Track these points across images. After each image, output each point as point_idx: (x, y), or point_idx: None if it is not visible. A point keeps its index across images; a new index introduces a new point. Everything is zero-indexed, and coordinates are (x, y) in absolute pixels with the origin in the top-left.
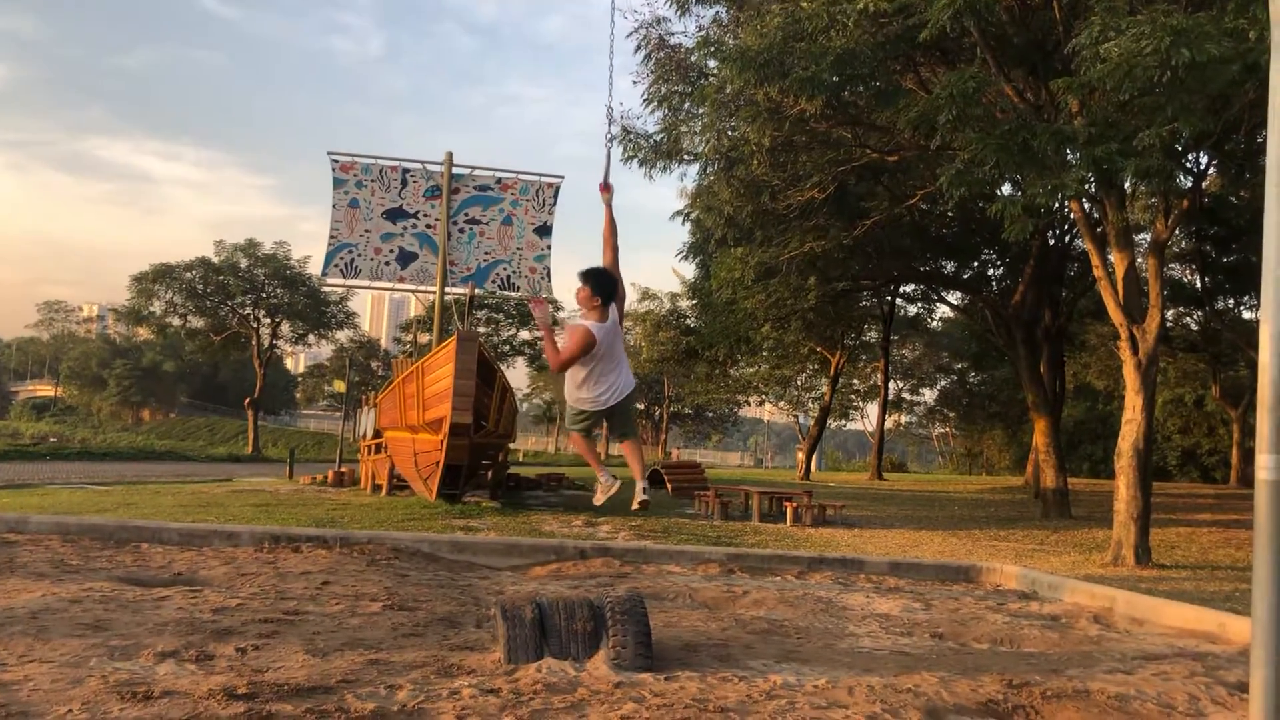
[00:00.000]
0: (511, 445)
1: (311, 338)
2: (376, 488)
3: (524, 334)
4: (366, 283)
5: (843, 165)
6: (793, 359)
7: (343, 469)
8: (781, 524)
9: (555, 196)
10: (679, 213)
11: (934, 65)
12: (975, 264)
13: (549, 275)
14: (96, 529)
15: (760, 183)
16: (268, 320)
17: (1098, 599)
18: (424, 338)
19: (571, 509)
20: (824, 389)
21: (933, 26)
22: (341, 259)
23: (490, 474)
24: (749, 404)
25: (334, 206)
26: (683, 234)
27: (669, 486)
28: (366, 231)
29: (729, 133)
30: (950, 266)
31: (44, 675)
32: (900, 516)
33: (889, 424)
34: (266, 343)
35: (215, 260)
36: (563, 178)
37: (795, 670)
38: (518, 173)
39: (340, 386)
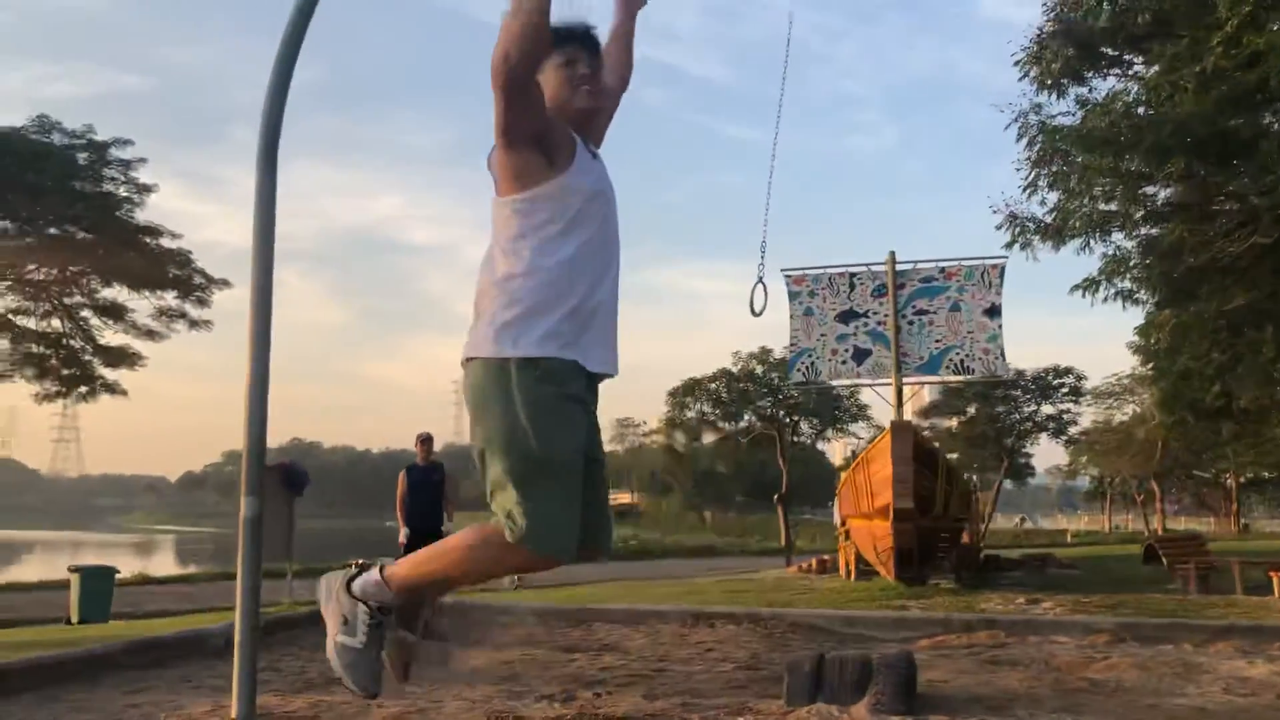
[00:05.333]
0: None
1: (830, 432)
2: (848, 573)
3: (1046, 408)
4: (826, 382)
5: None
6: None
7: (824, 557)
8: (1269, 596)
9: (1001, 277)
10: (1076, 286)
11: None
12: None
13: (1003, 354)
14: (562, 612)
15: (1168, 246)
16: (787, 420)
17: None
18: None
19: (1045, 588)
20: None
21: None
22: (803, 363)
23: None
24: None
25: (791, 317)
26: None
27: (1165, 562)
28: (822, 335)
29: (1099, 206)
30: None
31: (458, 705)
32: None
33: None
34: (789, 440)
35: (734, 370)
36: (1007, 257)
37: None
38: (960, 260)
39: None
